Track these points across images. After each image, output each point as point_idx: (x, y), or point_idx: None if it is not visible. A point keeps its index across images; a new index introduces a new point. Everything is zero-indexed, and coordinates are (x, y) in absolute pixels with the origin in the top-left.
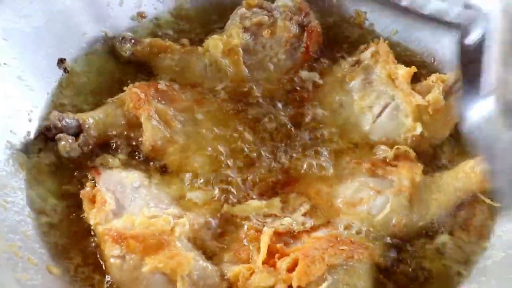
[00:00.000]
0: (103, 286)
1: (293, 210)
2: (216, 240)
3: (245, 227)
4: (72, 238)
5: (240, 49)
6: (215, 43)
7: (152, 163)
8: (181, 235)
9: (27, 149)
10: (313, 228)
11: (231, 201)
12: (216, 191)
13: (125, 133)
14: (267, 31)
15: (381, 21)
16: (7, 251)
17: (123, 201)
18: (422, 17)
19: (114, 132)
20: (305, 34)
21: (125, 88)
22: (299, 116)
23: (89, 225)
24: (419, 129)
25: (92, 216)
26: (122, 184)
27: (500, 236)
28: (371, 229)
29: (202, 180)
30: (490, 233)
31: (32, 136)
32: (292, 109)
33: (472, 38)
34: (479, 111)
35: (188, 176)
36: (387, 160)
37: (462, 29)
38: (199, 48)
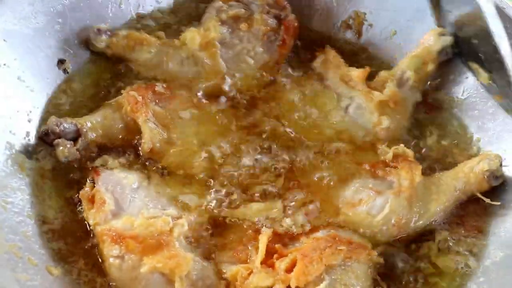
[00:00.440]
0: None
1: (292, 211)
2: (215, 240)
3: (244, 227)
4: (73, 240)
5: (217, 42)
6: (192, 36)
7: (151, 164)
8: (180, 235)
9: (27, 150)
10: (313, 229)
11: (231, 203)
12: (215, 193)
13: (124, 135)
14: (244, 24)
15: (380, 22)
16: (7, 252)
17: (122, 202)
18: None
19: (112, 135)
20: (282, 27)
21: (122, 91)
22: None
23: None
24: (386, 122)
25: (91, 216)
26: (121, 185)
27: (500, 236)
28: (370, 230)
29: (200, 182)
30: (487, 228)
31: (31, 137)
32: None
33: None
34: None
35: (186, 177)
36: (387, 160)
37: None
38: (176, 41)
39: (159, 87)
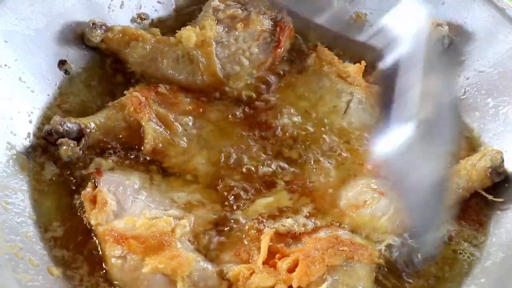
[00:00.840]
0: None
1: (295, 212)
2: (217, 240)
3: (246, 227)
4: (74, 244)
5: (213, 41)
6: (188, 34)
7: (153, 165)
8: (182, 236)
9: (28, 150)
10: (315, 230)
11: (233, 203)
12: (217, 193)
13: (127, 136)
14: (241, 24)
15: (380, 23)
16: (8, 252)
17: (124, 202)
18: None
19: (115, 135)
20: (278, 29)
21: (125, 92)
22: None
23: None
24: None
25: (93, 216)
26: (123, 185)
27: (500, 236)
28: (375, 231)
29: (203, 182)
30: (488, 228)
31: (32, 137)
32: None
33: (387, 62)
34: (394, 138)
35: (189, 178)
36: None
37: (378, 52)
38: (171, 39)
39: (162, 88)
